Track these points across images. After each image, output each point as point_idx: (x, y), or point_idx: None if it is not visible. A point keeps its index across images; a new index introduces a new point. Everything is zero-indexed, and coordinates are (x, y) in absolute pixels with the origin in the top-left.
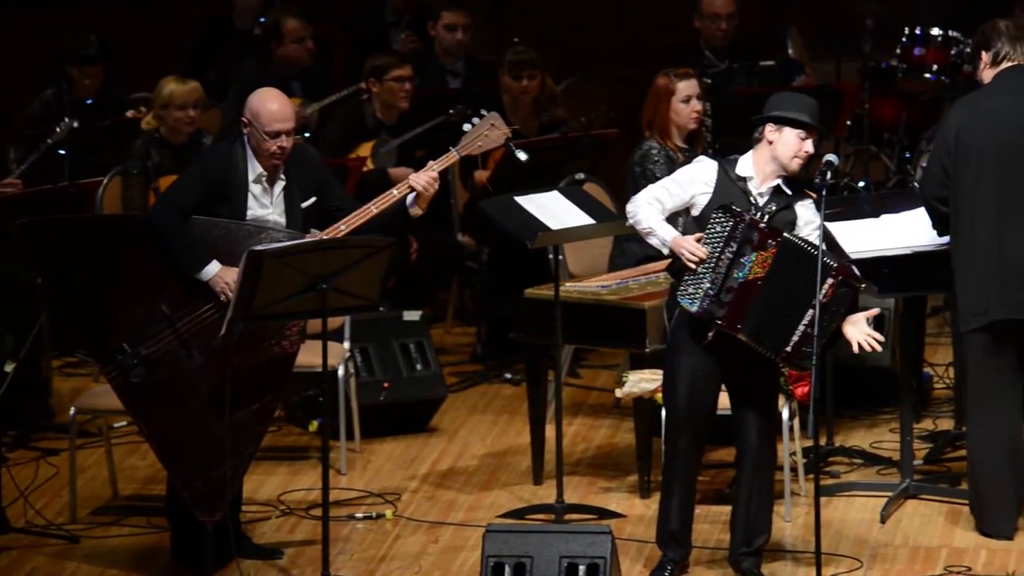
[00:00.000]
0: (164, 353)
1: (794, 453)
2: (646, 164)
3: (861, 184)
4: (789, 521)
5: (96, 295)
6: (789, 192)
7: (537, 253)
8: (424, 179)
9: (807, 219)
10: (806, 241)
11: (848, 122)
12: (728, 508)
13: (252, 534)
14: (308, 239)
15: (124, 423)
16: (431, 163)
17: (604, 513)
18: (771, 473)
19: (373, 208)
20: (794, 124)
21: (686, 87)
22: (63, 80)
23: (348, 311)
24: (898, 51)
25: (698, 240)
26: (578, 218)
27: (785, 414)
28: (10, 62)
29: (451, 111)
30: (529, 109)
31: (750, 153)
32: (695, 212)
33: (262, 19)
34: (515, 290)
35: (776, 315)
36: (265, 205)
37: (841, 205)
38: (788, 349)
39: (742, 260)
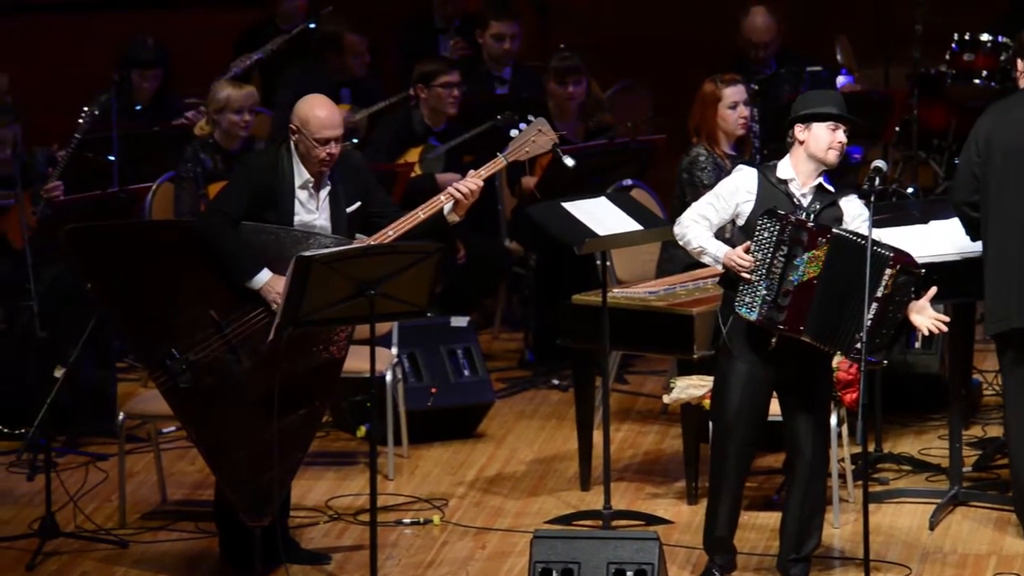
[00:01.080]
0: (213, 359)
1: (843, 459)
2: (694, 171)
3: (910, 190)
4: (838, 528)
5: (144, 301)
6: (831, 189)
7: (585, 259)
8: (470, 186)
9: (854, 212)
10: (856, 234)
11: (897, 128)
12: (775, 514)
13: (300, 539)
14: (356, 245)
15: (173, 428)
16: (477, 170)
17: (651, 519)
18: (823, 480)
19: (421, 213)
20: (820, 118)
21: (733, 93)
22: (123, 84)
23: (396, 317)
24: (947, 57)
25: (746, 249)
26: (625, 224)
27: (834, 420)
28: (70, 67)
29: (499, 117)
30: (575, 115)
31: (787, 157)
32: (740, 222)
33: (312, 24)
34: (563, 296)
35: (838, 312)
36: (311, 211)
37: (890, 211)
38: (857, 346)
39: (795, 262)
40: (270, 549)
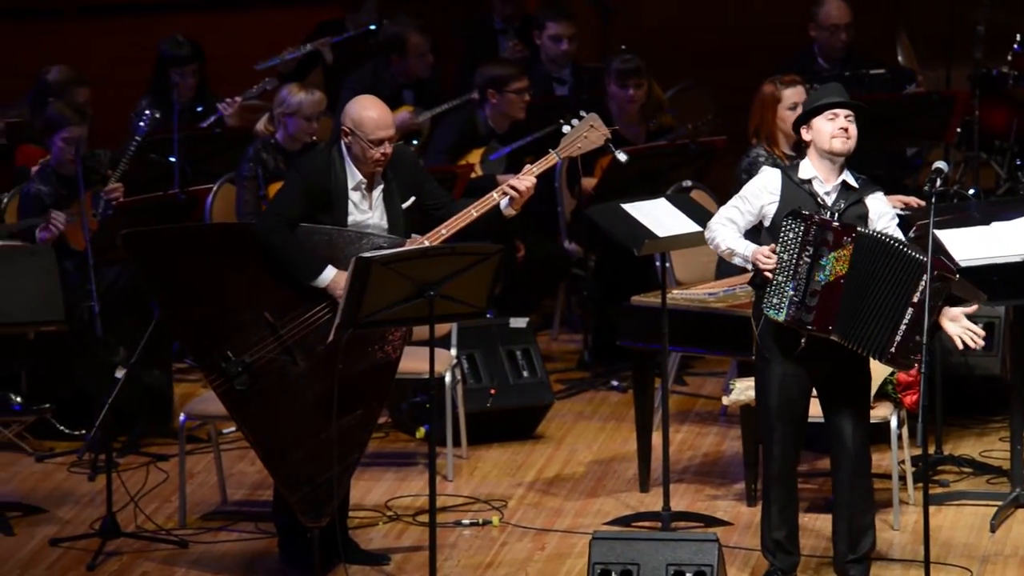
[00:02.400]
0: (268, 360)
1: (903, 462)
2: (753, 172)
3: (971, 192)
4: (898, 530)
5: (200, 303)
6: (856, 185)
7: (644, 260)
8: (524, 183)
9: (880, 211)
10: (884, 234)
11: (958, 129)
12: None
13: (360, 540)
14: (413, 246)
15: (233, 429)
16: (531, 166)
17: (711, 521)
18: (869, 477)
19: (473, 212)
20: (817, 111)
21: (792, 94)
22: (166, 85)
23: (455, 318)
24: (1009, 57)
25: (772, 250)
26: (685, 225)
27: (894, 422)
28: (113, 70)
29: (561, 120)
30: (636, 116)
31: (807, 158)
32: (767, 223)
33: (373, 26)
34: (622, 297)
35: (867, 312)
36: (364, 211)
37: (951, 212)
38: (892, 350)
39: (821, 262)
40: (329, 550)
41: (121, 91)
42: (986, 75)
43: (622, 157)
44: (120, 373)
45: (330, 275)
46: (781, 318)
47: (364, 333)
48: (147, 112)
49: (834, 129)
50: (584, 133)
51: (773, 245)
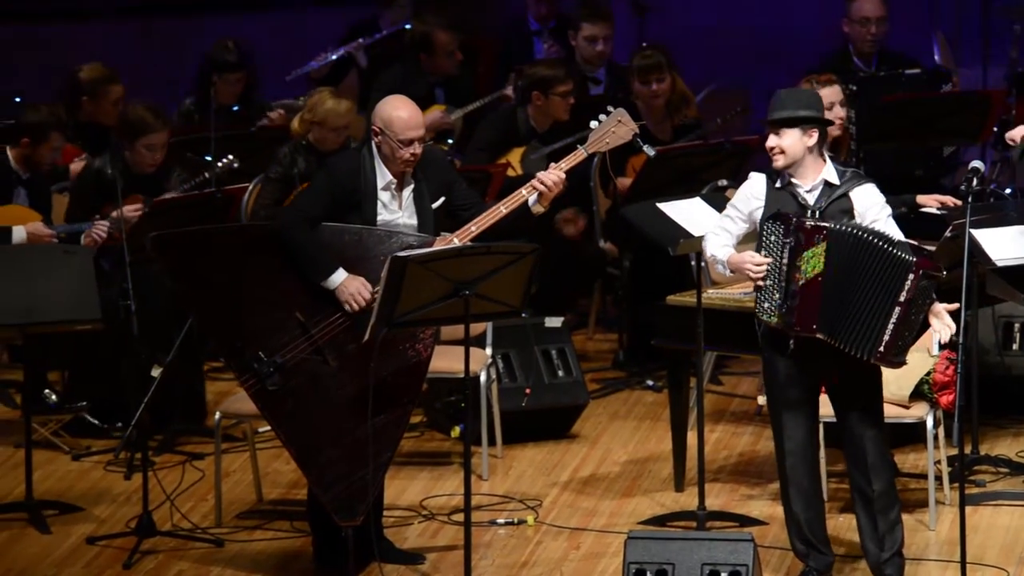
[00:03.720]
0: (300, 360)
1: (939, 462)
2: None
3: (1007, 191)
4: (934, 530)
5: (230, 304)
6: (838, 181)
7: (679, 259)
8: (552, 178)
9: (868, 202)
10: (860, 228)
11: (995, 128)
12: None
13: (395, 539)
14: (443, 245)
15: (268, 427)
16: (559, 163)
17: (746, 520)
18: (888, 472)
19: (503, 208)
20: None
21: (829, 94)
22: (208, 88)
23: (491, 317)
24: None
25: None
26: None
27: (930, 422)
28: (156, 71)
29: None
30: (662, 112)
31: None
32: (758, 228)
33: (407, 25)
34: (657, 296)
35: (852, 309)
36: (394, 210)
37: (987, 212)
38: (881, 349)
39: (797, 263)
40: (363, 549)
41: (161, 89)
42: (1022, 74)
43: (650, 152)
44: (157, 372)
45: (340, 278)
46: (773, 322)
47: (394, 332)
48: (229, 158)
49: (769, 148)
50: (612, 128)
51: (761, 252)
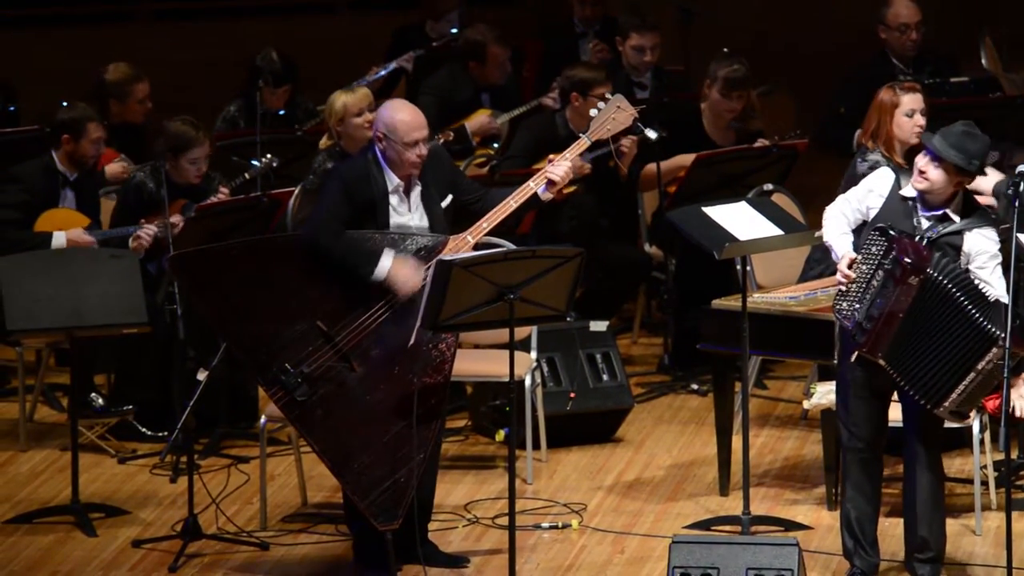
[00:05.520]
0: (326, 369)
1: (985, 466)
2: None
3: None
4: (980, 535)
5: (252, 318)
6: (956, 220)
7: (725, 264)
8: (560, 170)
9: (978, 248)
10: (957, 281)
11: None
12: None
13: (439, 542)
14: (458, 244)
15: None
16: (563, 152)
17: (791, 525)
18: (935, 474)
19: (512, 202)
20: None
21: (911, 100)
22: (254, 92)
23: (535, 321)
24: None
25: (852, 261)
26: (766, 229)
27: (976, 427)
28: (203, 72)
29: (639, 124)
30: (728, 122)
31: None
32: (868, 221)
33: (454, 29)
34: (702, 301)
35: (924, 356)
36: (404, 213)
37: None
38: (946, 403)
39: (886, 290)
40: (404, 552)
41: (201, 94)
42: None
43: (652, 135)
44: (202, 375)
45: (388, 263)
46: (847, 325)
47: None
48: (268, 157)
49: (918, 167)
50: (612, 115)
51: (857, 257)
